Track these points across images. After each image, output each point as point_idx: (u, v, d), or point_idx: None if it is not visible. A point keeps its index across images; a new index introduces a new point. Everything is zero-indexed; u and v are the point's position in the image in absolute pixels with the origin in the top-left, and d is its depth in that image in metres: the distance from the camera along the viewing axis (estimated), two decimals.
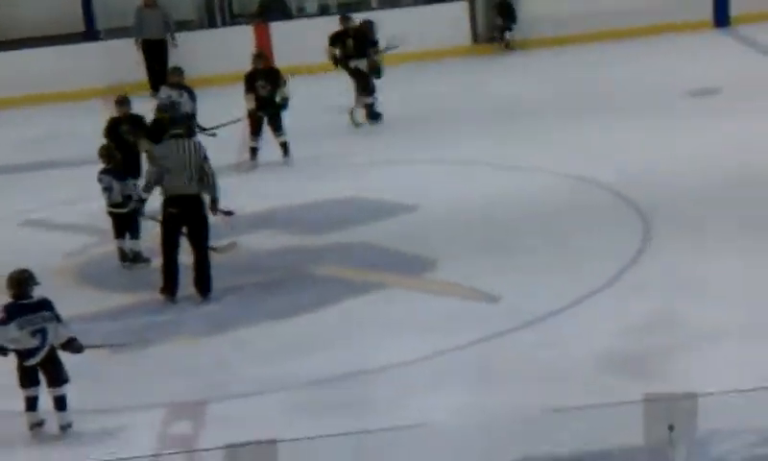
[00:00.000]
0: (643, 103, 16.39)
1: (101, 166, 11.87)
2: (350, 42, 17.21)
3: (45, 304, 8.29)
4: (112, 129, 12.73)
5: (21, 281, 8.32)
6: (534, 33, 21.68)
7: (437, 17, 21.79)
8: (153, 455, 7.99)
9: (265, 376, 9.09)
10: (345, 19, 17.82)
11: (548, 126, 15.70)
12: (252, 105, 14.98)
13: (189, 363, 9.62)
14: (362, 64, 16.86)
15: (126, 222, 11.88)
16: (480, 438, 7.49)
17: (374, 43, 17.06)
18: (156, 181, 10.81)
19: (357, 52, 16.96)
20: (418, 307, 10.23)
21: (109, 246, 12.15)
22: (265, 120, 15.05)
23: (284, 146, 15.13)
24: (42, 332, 8.21)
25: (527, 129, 15.69)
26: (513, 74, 19.92)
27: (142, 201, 11.22)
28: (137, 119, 12.96)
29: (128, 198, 11.74)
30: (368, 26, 17.25)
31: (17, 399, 8.40)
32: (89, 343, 8.56)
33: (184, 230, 10.79)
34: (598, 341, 9.10)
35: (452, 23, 21.88)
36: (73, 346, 8.35)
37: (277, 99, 15.00)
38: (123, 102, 13.01)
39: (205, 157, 10.87)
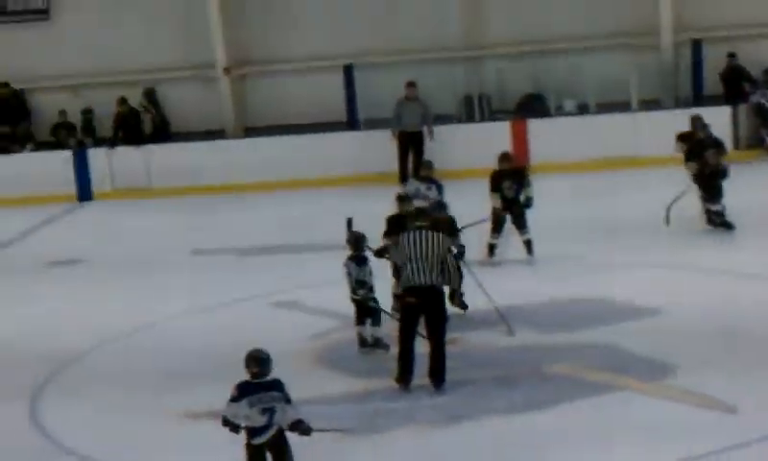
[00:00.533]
0: None
1: (349, 253, 12.15)
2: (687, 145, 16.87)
3: (276, 385, 8.46)
4: (396, 223, 12.73)
5: (257, 361, 8.52)
6: None
7: None
8: None
9: None
10: (696, 120, 17.32)
11: None
12: (498, 204, 15.06)
13: (420, 453, 9.66)
14: (691, 168, 16.36)
15: (367, 308, 12.09)
16: None
17: (717, 143, 16.58)
18: (397, 269, 10.99)
19: (688, 154, 16.58)
20: (653, 413, 10.00)
21: (351, 331, 12.34)
22: (509, 219, 15.12)
23: (528, 244, 15.13)
24: (271, 411, 8.38)
25: None
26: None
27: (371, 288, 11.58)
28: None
29: (360, 284, 11.97)
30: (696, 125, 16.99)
31: None
32: (318, 426, 8.68)
33: (422, 320, 10.91)
34: None
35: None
36: (300, 428, 8.47)
37: (522, 198, 15.06)
38: (405, 199, 13.07)
39: (450, 250, 11.00)
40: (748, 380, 10.47)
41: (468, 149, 21.10)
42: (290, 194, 21.37)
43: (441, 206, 13.37)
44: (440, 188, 14.73)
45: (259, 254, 17.34)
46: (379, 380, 11.18)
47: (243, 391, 8.43)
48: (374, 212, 13.25)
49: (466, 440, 9.82)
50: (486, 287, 12.68)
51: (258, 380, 8.45)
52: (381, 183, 20.53)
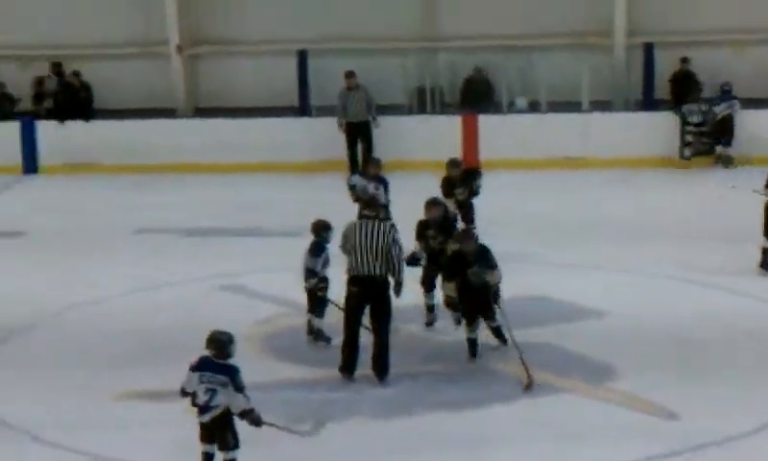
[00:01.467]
0: None
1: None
2: None
3: (227, 370, 8.46)
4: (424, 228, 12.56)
5: (214, 342, 8.57)
6: (753, 150, 21.13)
7: (646, 125, 21.62)
8: None
9: None
10: None
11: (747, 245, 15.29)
12: (453, 207, 14.99)
13: (360, 444, 9.64)
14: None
15: (316, 298, 11.97)
16: None
17: None
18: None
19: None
20: (593, 416, 10.08)
21: (299, 318, 12.28)
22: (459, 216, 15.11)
23: None
24: (212, 392, 8.41)
25: (728, 246, 15.27)
26: (716, 189, 19.46)
27: (322, 279, 11.57)
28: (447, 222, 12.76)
29: (311, 273, 11.85)
30: None
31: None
32: (269, 420, 8.69)
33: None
34: None
35: (661, 133, 21.62)
36: (250, 417, 8.50)
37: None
38: (433, 204, 12.61)
39: (395, 241, 10.94)
40: (691, 387, 10.56)
41: (418, 141, 21.10)
42: (238, 177, 21.24)
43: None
44: (386, 186, 14.67)
45: (205, 235, 17.23)
46: (324, 370, 11.15)
47: (201, 364, 8.50)
48: (324, 200, 13.18)
49: (405, 434, 9.83)
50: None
51: (215, 361, 8.48)
52: (330, 171, 20.47)
